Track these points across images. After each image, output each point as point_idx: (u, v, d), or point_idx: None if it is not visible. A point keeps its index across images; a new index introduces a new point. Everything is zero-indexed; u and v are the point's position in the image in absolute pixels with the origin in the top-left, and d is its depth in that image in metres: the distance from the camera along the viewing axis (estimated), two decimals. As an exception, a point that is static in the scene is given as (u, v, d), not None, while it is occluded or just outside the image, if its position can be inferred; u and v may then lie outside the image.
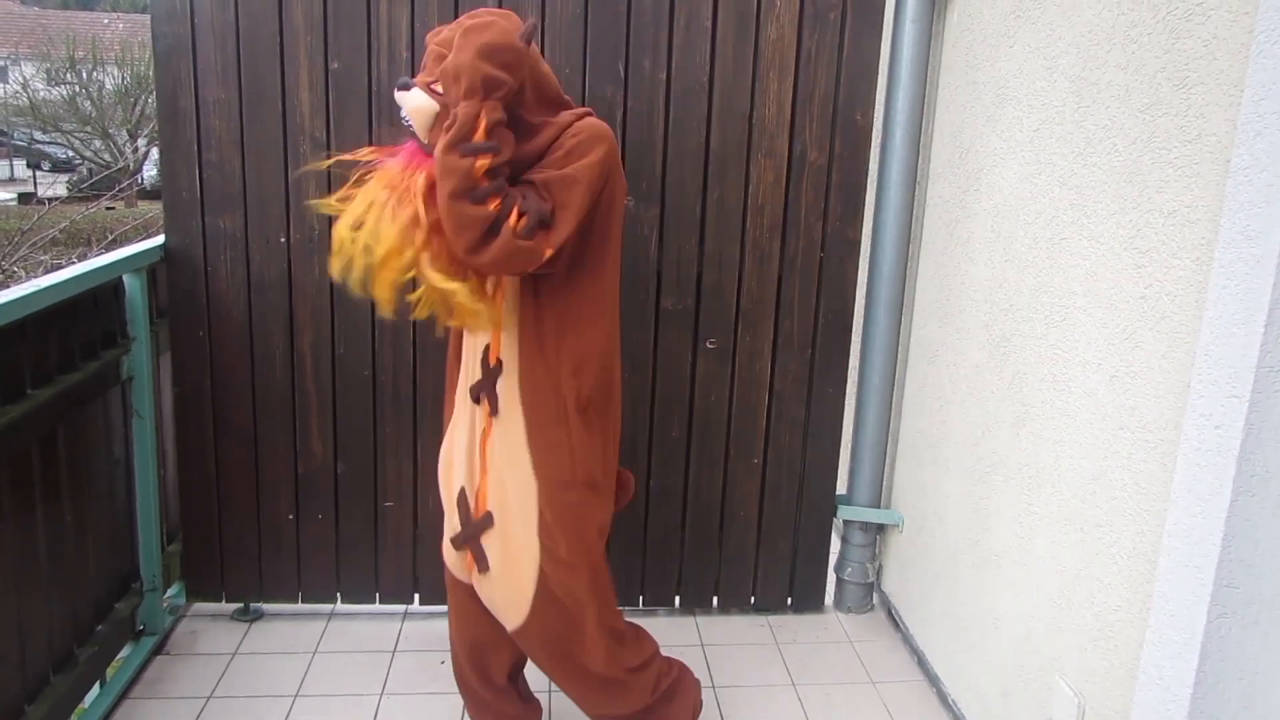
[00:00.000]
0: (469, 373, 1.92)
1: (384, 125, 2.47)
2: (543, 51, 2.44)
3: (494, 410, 1.87)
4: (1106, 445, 1.78)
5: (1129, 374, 1.71)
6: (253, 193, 2.50)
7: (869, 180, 2.63)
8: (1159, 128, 1.64)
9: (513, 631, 1.96)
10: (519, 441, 1.86)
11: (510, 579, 1.93)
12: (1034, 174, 2.06)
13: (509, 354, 1.86)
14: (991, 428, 2.23)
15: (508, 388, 1.86)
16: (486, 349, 1.87)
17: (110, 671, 2.41)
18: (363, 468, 2.67)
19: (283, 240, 2.52)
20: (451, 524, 1.99)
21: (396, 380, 2.61)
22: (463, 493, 1.95)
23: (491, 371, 1.87)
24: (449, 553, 2.03)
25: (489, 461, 1.90)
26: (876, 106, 2.61)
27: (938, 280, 2.57)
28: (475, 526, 1.93)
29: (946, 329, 2.50)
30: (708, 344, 2.66)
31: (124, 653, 2.49)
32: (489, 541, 1.92)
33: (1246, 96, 1.40)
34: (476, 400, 1.90)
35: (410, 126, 1.76)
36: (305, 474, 2.66)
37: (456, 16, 2.40)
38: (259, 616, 2.77)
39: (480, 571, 1.94)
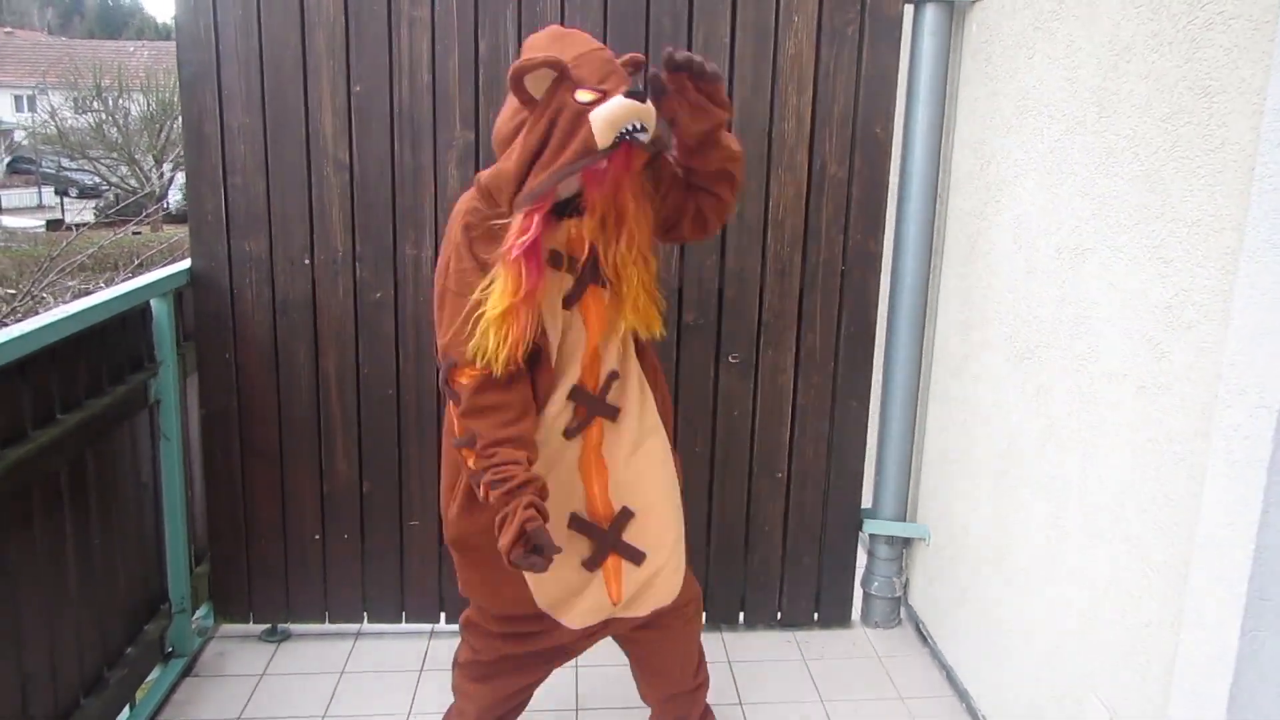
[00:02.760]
0: (558, 420, 1.87)
1: (405, 147, 2.50)
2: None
3: (611, 416, 1.90)
4: (1134, 457, 1.76)
5: (1156, 385, 1.69)
6: (277, 215, 2.53)
7: (889, 193, 2.63)
8: (1181, 137, 1.63)
9: (671, 605, 2.00)
10: (654, 426, 1.94)
11: (666, 550, 1.95)
12: (1055, 184, 2.05)
13: (626, 363, 1.91)
14: (1017, 440, 2.22)
15: (622, 391, 1.91)
16: (575, 387, 1.86)
17: (140, 694, 2.43)
18: (388, 487, 2.68)
19: (306, 262, 2.55)
20: (565, 565, 1.89)
21: (420, 399, 2.63)
22: (574, 517, 1.91)
23: (600, 393, 1.89)
24: (573, 610, 1.95)
25: (606, 465, 1.91)
26: (896, 120, 2.60)
27: (960, 292, 2.56)
28: (613, 530, 1.92)
29: (970, 341, 2.49)
30: (730, 359, 2.66)
31: (153, 675, 2.51)
32: (632, 533, 1.92)
33: (1269, 104, 1.39)
34: (574, 435, 1.89)
35: (638, 135, 1.62)
36: (331, 493, 2.68)
37: (476, 41, 2.45)
38: (286, 637, 2.78)
39: (637, 565, 1.94)
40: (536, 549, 1.65)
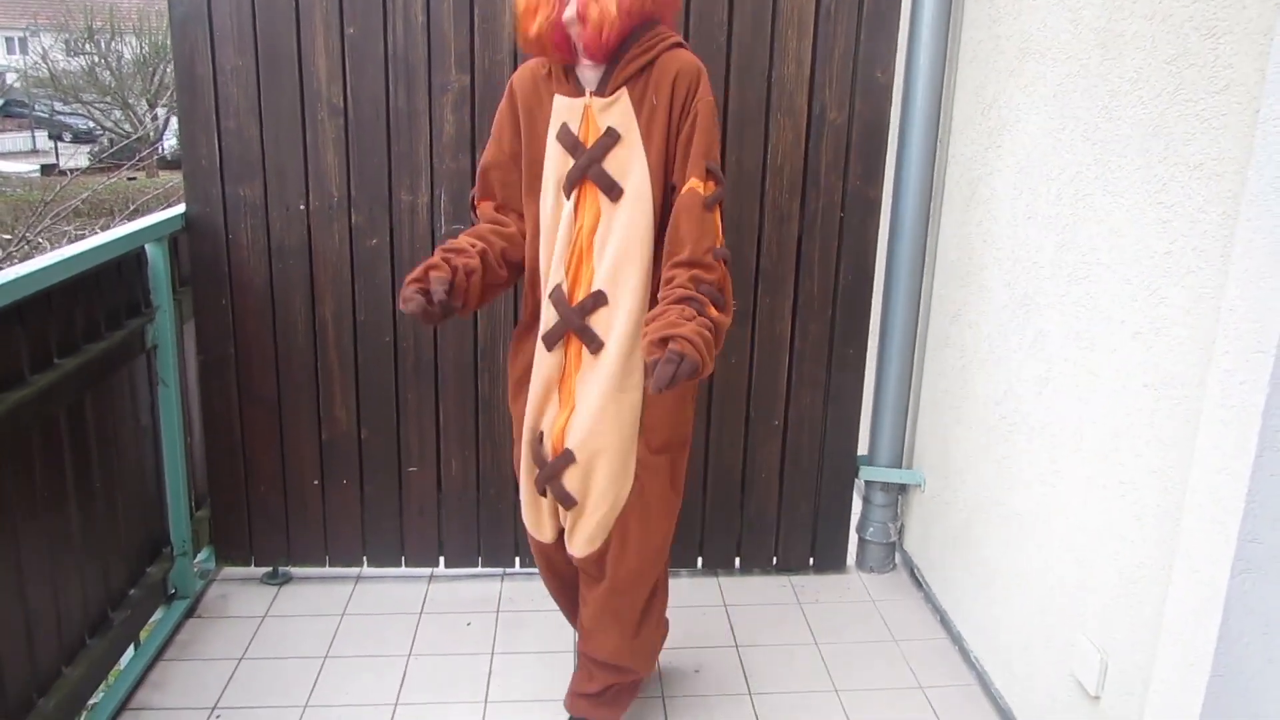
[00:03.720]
0: (544, 321, 1.91)
1: (400, 90, 2.46)
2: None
3: (591, 346, 1.86)
4: (1130, 403, 1.76)
5: (1153, 331, 1.69)
6: (271, 160, 2.50)
7: (889, 138, 2.60)
8: (1186, 79, 1.61)
9: (593, 553, 1.97)
10: (624, 380, 1.86)
11: (598, 507, 1.93)
12: (1057, 129, 2.03)
13: (621, 293, 1.84)
14: (1014, 386, 2.22)
15: (606, 321, 1.86)
16: (557, 288, 1.87)
17: (144, 634, 2.46)
18: (386, 434, 2.69)
19: (302, 207, 2.53)
20: (527, 474, 2.01)
21: (418, 346, 2.63)
22: (540, 437, 1.95)
23: (578, 307, 1.86)
24: (531, 517, 2.06)
25: (578, 397, 1.89)
26: (897, 63, 2.57)
27: (959, 239, 2.54)
28: (553, 466, 1.93)
29: (968, 288, 2.48)
30: (728, 306, 2.65)
31: (157, 616, 2.54)
32: (570, 477, 1.92)
33: (1276, 44, 1.37)
34: (551, 344, 1.90)
35: None
36: (329, 440, 2.69)
37: (471, -22, 2.40)
38: (288, 580, 2.81)
39: (566, 508, 1.95)
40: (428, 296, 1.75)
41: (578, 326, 1.87)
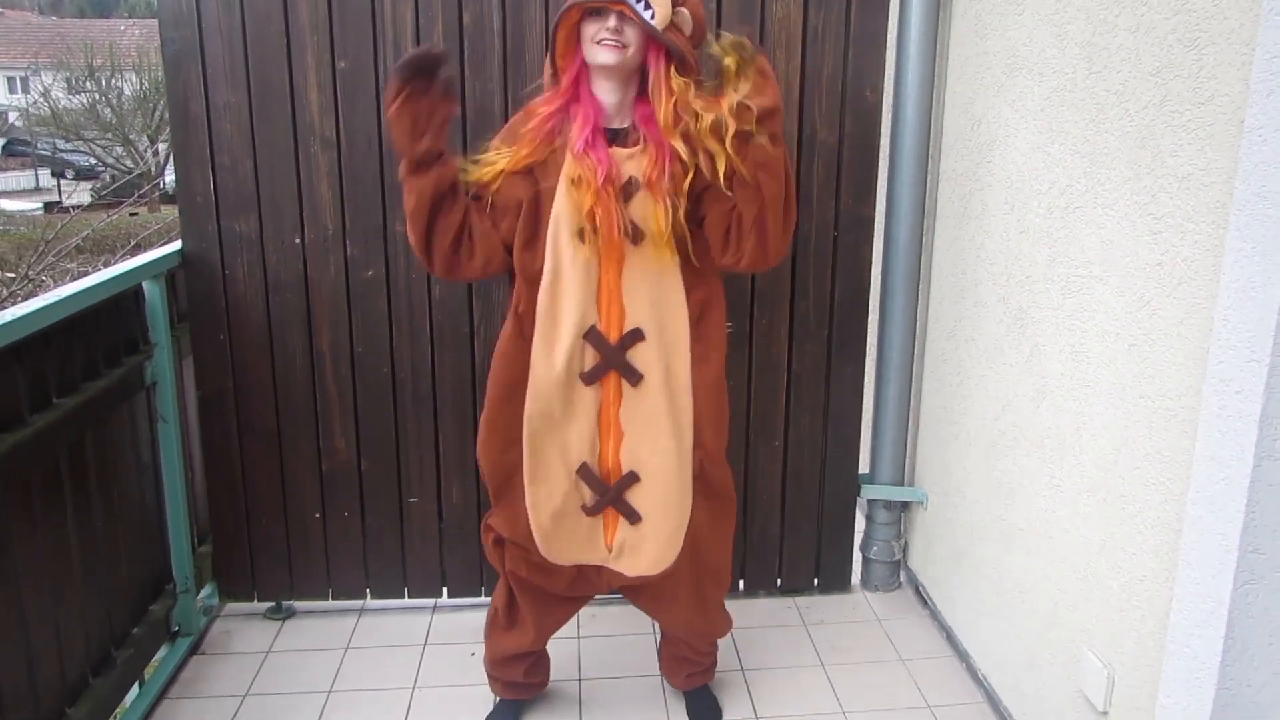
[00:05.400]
0: (575, 361, 1.92)
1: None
2: (545, 35, 2.43)
3: (630, 379, 1.93)
4: (1128, 414, 1.76)
5: (1148, 342, 1.69)
6: (266, 194, 2.52)
7: (880, 156, 2.61)
8: (1171, 90, 1.61)
9: (665, 571, 2.03)
10: (674, 403, 1.95)
11: (661, 522, 2.00)
12: (1046, 143, 2.03)
13: (658, 327, 1.91)
14: (1012, 401, 2.22)
15: (646, 355, 1.92)
16: (593, 329, 1.90)
17: (148, 672, 2.45)
18: (386, 464, 2.69)
19: (297, 241, 2.54)
20: (565, 505, 2.00)
21: (415, 376, 2.63)
22: (584, 467, 1.98)
23: (619, 345, 1.91)
24: (561, 542, 2.03)
25: (625, 425, 1.96)
26: (886, 81, 2.58)
27: (953, 254, 2.55)
28: (617, 488, 1.99)
29: (963, 303, 2.48)
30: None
31: (160, 654, 2.53)
32: (635, 495, 1.99)
33: (1258, 55, 1.37)
34: (592, 381, 1.94)
35: (641, 10, 1.75)
36: (330, 472, 2.69)
37: (460, 10, 2.42)
38: (291, 614, 2.80)
39: (633, 524, 2.00)
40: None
41: (620, 363, 1.92)
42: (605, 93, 1.84)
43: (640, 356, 1.93)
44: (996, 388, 2.30)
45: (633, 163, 1.85)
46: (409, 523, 2.73)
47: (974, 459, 2.44)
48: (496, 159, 1.89)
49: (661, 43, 1.78)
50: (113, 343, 2.30)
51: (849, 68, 2.53)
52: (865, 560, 2.93)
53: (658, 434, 1.95)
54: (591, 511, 2.01)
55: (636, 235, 1.86)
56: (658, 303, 1.91)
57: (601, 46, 1.77)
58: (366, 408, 2.65)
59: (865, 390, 2.77)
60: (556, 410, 1.95)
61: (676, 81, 1.80)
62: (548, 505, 1.99)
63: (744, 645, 2.62)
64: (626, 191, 1.84)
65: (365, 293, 2.58)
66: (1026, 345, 2.14)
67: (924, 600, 2.81)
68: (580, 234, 1.85)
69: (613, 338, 1.91)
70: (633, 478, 1.98)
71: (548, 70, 1.91)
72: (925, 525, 2.81)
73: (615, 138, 1.87)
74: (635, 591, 2.18)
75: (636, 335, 1.91)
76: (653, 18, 1.75)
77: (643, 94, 1.86)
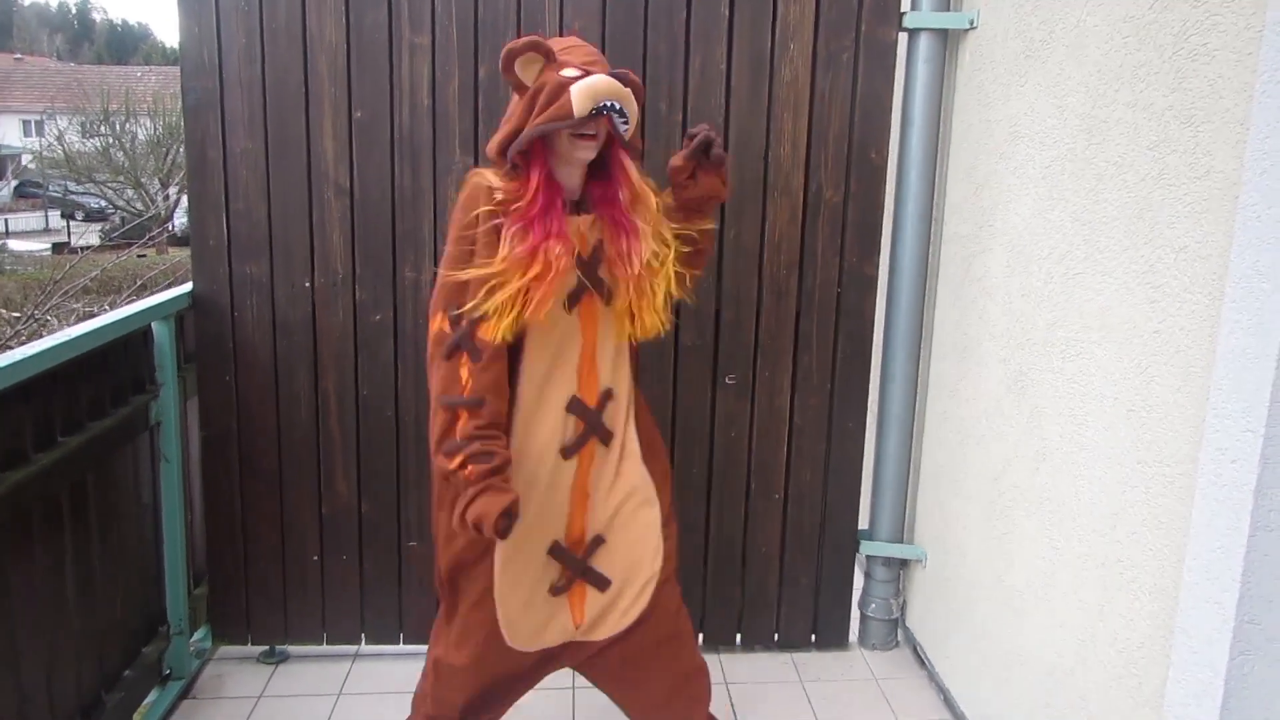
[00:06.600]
0: (553, 435, 1.90)
1: (405, 171, 2.53)
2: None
3: (605, 440, 1.95)
4: (1125, 480, 1.77)
5: (1145, 408, 1.71)
6: (278, 239, 2.55)
7: (885, 217, 2.65)
8: (1168, 165, 1.65)
9: (635, 621, 2.01)
10: (633, 451, 1.99)
11: (634, 578, 2.00)
12: (1047, 210, 2.07)
13: (619, 383, 1.96)
14: (1012, 462, 2.23)
15: (615, 413, 1.96)
16: (574, 399, 1.91)
17: (137, 717, 2.43)
18: (386, 508, 2.70)
19: (307, 285, 2.57)
20: (534, 590, 1.96)
21: (419, 421, 2.64)
22: (556, 545, 1.96)
23: (598, 408, 1.93)
24: (530, 626, 1.98)
25: (591, 489, 1.96)
26: (891, 145, 2.63)
27: (955, 315, 2.58)
28: (584, 558, 1.98)
29: (965, 363, 2.50)
30: (726, 380, 2.68)
31: (151, 697, 2.51)
32: (601, 560, 1.99)
33: (1252, 134, 1.41)
34: (572, 454, 1.93)
35: (616, 117, 1.78)
36: (330, 515, 2.69)
37: (476, 66, 2.48)
38: (284, 659, 2.78)
39: (602, 591, 1.99)
40: (509, 516, 1.74)
41: (598, 427, 1.94)
42: (567, 177, 1.87)
43: (610, 416, 1.96)
44: (997, 448, 2.31)
45: (593, 231, 1.89)
46: (407, 568, 2.73)
47: (973, 518, 2.44)
48: (501, 313, 1.78)
49: (625, 147, 1.87)
50: (119, 382, 2.32)
51: (855, 130, 2.58)
52: (863, 617, 2.92)
53: (621, 484, 1.98)
54: (559, 591, 1.97)
55: (608, 295, 1.91)
56: (616, 359, 1.96)
57: (583, 141, 1.81)
58: (368, 451, 2.66)
59: (866, 445, 2.78)
60: (535, 493, 1.92)
61: (638, 180, 1.89)
62: (515, 594, 1.94)
63: (740, 700, 2.60)
64: (595, 257, 1.89)
65: (372, 336, 2.60)
66: (1027, 407, 2.16)
67: (921, 660, 2.80)
68: (568, 301, 1.87)
69: (593, 403, 1.93)
70: (598, 541, 1.98)
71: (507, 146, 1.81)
72: (924, 584, 2.80)
73: (573, 209, 1.91)
74: (603, 669, 2.10)
75: (608, 395, 1.95)
76: (626, 126, 1.81)
77: (592, 176, 1.90)
